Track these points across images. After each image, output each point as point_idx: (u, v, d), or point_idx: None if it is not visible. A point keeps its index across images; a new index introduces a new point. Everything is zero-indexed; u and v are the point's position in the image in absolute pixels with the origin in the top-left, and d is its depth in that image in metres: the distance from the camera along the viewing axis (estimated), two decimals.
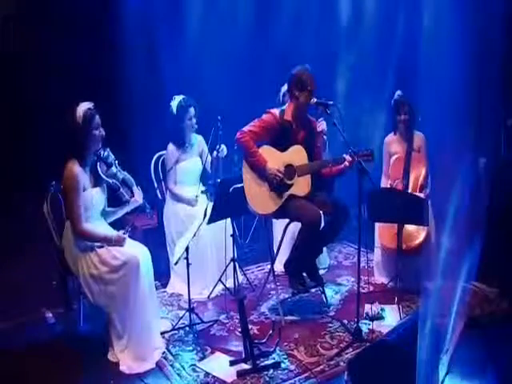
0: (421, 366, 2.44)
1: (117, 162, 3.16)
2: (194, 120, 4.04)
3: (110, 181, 3.17)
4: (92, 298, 3.05)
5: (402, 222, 3.72)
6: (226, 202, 3.53)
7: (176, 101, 3.98)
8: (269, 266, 4.05)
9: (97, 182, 3.15)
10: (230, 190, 3.54)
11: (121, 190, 3.20)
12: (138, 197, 3.25)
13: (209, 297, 3.95)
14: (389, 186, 4.03)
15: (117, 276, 3.01)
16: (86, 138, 3.01)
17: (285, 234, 3.76)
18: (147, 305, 3.09)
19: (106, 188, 3.21)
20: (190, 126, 4.05)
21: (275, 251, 3.88)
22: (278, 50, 5.36)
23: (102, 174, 3.13)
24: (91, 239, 3.05)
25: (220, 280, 3.92)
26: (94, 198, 3.09)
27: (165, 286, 4.12)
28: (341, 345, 3.27)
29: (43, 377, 3.01)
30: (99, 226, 3.15)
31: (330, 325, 3.53)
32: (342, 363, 3.07)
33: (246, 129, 3.50)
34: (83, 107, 2.99)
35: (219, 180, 3.76)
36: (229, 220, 3.85)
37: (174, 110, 3.97)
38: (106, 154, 3.11)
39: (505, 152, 4.55)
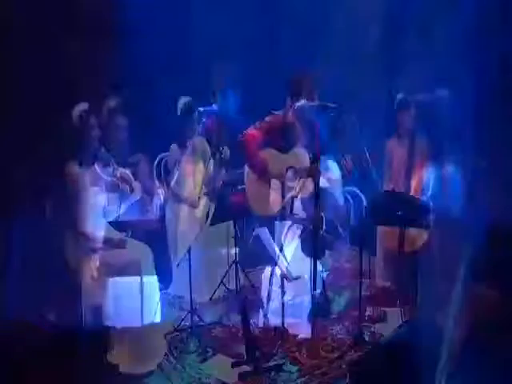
0: (422, 369, 2.44)
1: (113, 159, 3.17)
2: (197, 125, 4.04)
3: (109, 179, 3.18)
4: (93, 298, 3.05)
5: (403, 225, 3.72)
6: (228, 203, 3.53)
7: (181, 102, 3.99)
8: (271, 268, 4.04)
9: (95, 181, 3.16)
10: (232, 191, 3.54)
11: (120, 187, 3.21)
12: (137, 191, 3.26)
13: (211, 298, 3.95)
14: (390, 189, 4.02)
15: (118, 277, 3.01)
16: (83, 139, 3.01)
17: (286, 235, 3.75)
18: (149, 306, 3.09)
19: (104, 187, 3.22)
20: (191, 130, 4.05)
21: (277, 253, 3.86)
22: (282, 51, 5.37)
23: (100, 173, 3.14)
24: (92, 241, 3.05)
25: (222, 282, 3.91)
26: (93, 197, 3.10)
27: (167, 287, 4.13)
28: (343, 347, 3.27)
29: (43, 377, 3.01)
30: (100, 227, 3.15)
31: (332, 327, 3.53)
32: (343, 366, 3.06)
33: (249, 130, 3.50)
34: (79, 108, 3.00)
35: (221, 182, 3.76)
36: (231, 221, 3.85)
37: (178, 110, 3.97)
38: (102, 152, 3.12)
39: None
